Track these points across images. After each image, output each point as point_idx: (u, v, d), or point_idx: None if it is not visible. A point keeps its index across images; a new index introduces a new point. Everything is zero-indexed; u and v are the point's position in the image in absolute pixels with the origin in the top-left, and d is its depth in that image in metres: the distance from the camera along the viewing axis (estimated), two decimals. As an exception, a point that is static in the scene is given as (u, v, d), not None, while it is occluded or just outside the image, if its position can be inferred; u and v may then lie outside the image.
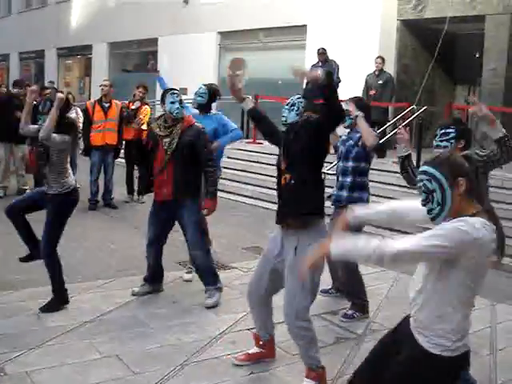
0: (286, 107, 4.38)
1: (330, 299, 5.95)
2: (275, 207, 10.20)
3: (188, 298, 5.75)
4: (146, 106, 10.42)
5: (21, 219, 5.39)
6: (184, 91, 17.80)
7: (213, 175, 5.58)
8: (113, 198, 9.97)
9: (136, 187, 10.39)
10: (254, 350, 4.51)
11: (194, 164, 5.51)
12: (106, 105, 9.68)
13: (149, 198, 10.28)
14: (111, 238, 7.90)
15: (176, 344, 4.69)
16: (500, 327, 5.41)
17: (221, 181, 11.19)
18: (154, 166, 5.59)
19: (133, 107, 10.24)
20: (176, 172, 5.45)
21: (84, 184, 10.38)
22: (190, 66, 18.13)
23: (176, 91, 5.71)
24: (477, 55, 11.94)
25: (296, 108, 4.33)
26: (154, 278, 5.91)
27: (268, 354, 4.53)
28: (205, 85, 6.72)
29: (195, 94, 6.60)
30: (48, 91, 10.29)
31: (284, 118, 4.36)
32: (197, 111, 6.64)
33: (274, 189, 10.85)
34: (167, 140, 5.48)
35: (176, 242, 7.84)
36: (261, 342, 4.51)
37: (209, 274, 5.76)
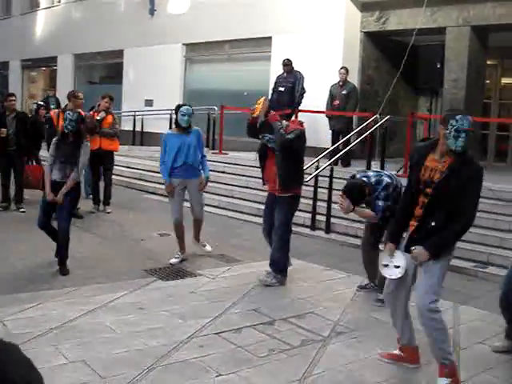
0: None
1: (294, 303, 6.02)
2: (242, 216, 10.38)
3: (155, 305, 5.77)
4: (111, 116, 10.46)
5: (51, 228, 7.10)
6: (150, 103, 17.92)
7: None
8: (79, 208, 9.91)
9: (102, 197, 10.43)
10: (396, 351, 4.71)
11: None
12: (71, 114, 9.64)
13: (114, 208, 10.36)
14: (77, 247, 7.85)
15: (143, 349, 4.70)
16: (462, 327, 5.53)
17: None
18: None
19: (98, 117, 10.24)
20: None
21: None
22: (155, 77, 18.16)
23: (188, 106, 7.26)
24: (438, 66, 12.17)
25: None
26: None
27: (406, 358, 4.64)
28: (187, 104, 7.47)
29: (184, 114, 7.21)
30: (13, 99, 10.19)
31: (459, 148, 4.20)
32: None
33: (240, 198, 11.07)
34: None
35: (143, 252, 7.89)
36: (399, 345, 4.69)
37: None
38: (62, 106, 12.21)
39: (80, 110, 9.61)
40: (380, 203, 5.96)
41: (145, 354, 4.59)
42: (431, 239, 4.19)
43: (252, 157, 12.69)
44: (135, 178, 12.78)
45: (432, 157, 4.29)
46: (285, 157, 6.46)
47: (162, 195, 12.05)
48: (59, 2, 23.53)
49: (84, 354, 4.53)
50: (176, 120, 7.45)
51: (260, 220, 9.84)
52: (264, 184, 6.99)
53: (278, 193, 6.65)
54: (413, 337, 4.63)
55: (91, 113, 10.46)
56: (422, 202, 4.29)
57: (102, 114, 10.32)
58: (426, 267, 4.26)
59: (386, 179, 6.05)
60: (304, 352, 4.81)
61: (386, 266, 4.45)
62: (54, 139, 7.12)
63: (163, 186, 12.17)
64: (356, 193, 5.86)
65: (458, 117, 4.12)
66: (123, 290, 6.12)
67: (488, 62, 13.54)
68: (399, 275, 4.37)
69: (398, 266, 4.38)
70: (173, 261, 7.36)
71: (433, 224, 4.20)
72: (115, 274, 6.76)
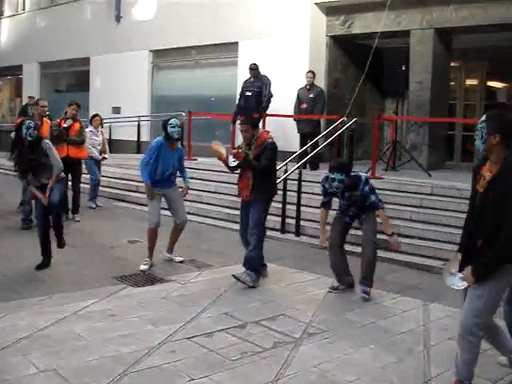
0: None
1: (266, 306, 6.03)
2: (211, 222, 10.36)
3: (126, 311, 5.73)
4: (78, 124, 10.39)
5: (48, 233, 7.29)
6: (117, 110, 17.83)
7: None
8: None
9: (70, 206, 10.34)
10: None
11: None
12: (38, 123, 9.48)
13: (83, 216, 10.28)
14: (46, 257, 7.79)
15: (115, 356, 4.67)
16: (432, 325, 5.60)
17: (135, 194, 11.20)
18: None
19: (65, 125, 10.16)
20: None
21: (16, 203, 10.26)
22: (123, 84, 18.08)
23: (175, 118, 7.52)
24: (403, 68, 12.30)
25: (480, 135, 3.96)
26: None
27: None
28: (174, 117, 7.68)
29: (173, 126, 7.42)
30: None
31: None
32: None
33: (210, 204, 11.05)
34: None
35: (113, 259, 7.84)
36: None
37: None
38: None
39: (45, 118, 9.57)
40: (373, 197, 6.27)
41: (116, 361, 4.55)
42: (477, 260, 3.88)
43: (221, 162, 12.72)
44: (104, 186, 12.67)
45: (487, 165, 3.99)
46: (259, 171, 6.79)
47: (131, 202, 12.03)
48: (23, 9, 23.32)
49: (55, 363, 4.48)
50: (166, 134, 7.45)
51: (230, 225, 9.91)
52: (239, 193, 7.10)
53: (250, 198, 6.85)
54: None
55: (58, 120, 10.38)
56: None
57: (69, 122, 10.24)
58: (473, 288, 3.97)
59: (363, 174, 6.44)
60: (276, 354, 4.81)
61: (452, 274, 4.14)
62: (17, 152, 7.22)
63: (132, 194, 12.23)
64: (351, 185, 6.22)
65: None
66: (94, 298, 6.07)
67: (452, 64, 13.72)
68: (461, 287, 4.07)
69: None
70: (142, 267, 7.40)
71: (480, 241, 3.89)
72: (85, 281, 6.70)
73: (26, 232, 9.23)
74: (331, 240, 6.62)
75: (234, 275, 6.74)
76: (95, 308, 5.80)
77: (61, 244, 7.46)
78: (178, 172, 7.82)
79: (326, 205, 6.66)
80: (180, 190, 7.89)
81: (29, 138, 7.11)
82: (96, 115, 11.96)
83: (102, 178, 11.93)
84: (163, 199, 7.75)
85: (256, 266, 6.80)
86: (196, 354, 4.74)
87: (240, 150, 6.82)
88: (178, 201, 7.79)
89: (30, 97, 13.99)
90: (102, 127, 12.20)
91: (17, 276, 6.86)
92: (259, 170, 6.73)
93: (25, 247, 8.24)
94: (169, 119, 7.56)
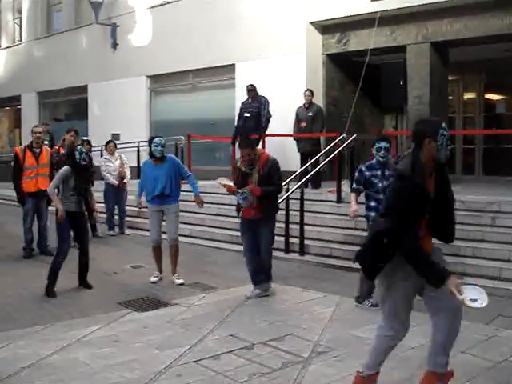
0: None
1: (273, 326, 5.92)
2: (214, 244, 10.28)
3: (130, 337, 5.62)
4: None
5: None
6: (117, 137, 17.81)
7: None
8: (48, 244, 9.73)
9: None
10: None
11: None
12: (37, 150, 9.48)
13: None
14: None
15: (120, 381, 4.56)
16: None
17: (135, 219, 11.19)
18: None
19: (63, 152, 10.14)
20: None
21: (18, 233, 10.17)
22: (121, 111, 18.08)
23: (159, 137, 7.74)
24: (401, 84, 12.30)
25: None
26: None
27: None
28: (158, 136, 7.88)
29: (156, 145, 7.68)
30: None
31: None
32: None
33: (211, 226, 10.97)
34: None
35: (117, 285, 7.75)
36: None
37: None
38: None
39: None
40: None
41: (121, 387, 4.45)
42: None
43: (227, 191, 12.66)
44: (104, 212, 12.58)
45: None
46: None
47: (133, 228, 11.95)
48: (20, 40, 23.44)
49: (58, 392, 4.38)
50: (150, 151, 7.82)
51: (233, 246, 9.82)
52: (238, 211, 7.16)
53: (258, 215, 6.93)
54: None
55: (56, 147, 10.39)
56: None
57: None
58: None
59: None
60: (285, 374, 4.70)
61: (475, 300, 3.88)
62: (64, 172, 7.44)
63: (134, 219, 12.14)
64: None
65: (443, 125, 3.84)
66: (97, 324, 5.96)
67: (450, 78, 13.72)
68: (485, 304, 3.88)
69: (475, 300, 3.85)
70: (152, 279, 7.78)
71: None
72: (88, 308, 6.61)
73: (28, 261, 9.18)
74: None
75: (249, 296, 7.00)
76: (99, 334, 5.69)
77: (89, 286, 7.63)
78: (188, 182, 8.05)
79: (355, 190, 6.87)
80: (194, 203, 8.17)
81: (83, 163, 7.42)
82: (110, 141, 12.05)
83: (102, 205, 11.76)
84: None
85: (269, 272, 7.21)
86: (203, 377, 4.63)
87: (248, 186, 6.81)
88: (170, 218, 7.89)
89: (44, 123, 14.02)
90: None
91: (17, 304, 6.77)
92: (277, 192, 7.10)
93: (25, 276, 8.19)
94: (154, 137, 7.83)
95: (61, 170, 7.48)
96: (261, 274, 7.08)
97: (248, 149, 6.80)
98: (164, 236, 8.01)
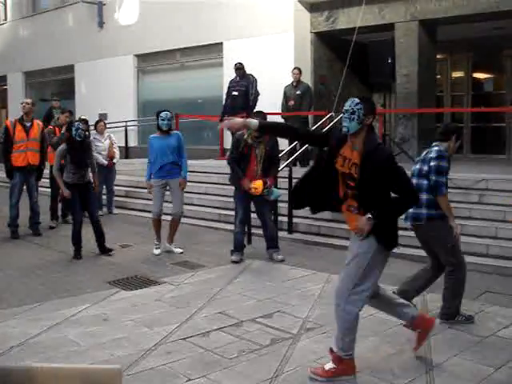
0: (346, 115, 4.10)
1: (262, 304, 5.94)
2: (202, 223, 10.29)
3: (119, 315, 5.62)
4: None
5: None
6: (104, 116, 17.71)
7: None
8: (41, 222, 9.67)
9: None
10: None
11: None
12: (28, 124, 9.33)
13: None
14: (36, 264, 7.68)
15: (109, 359, 4.57)
16: (431, 315, 5.50)
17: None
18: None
19: (63, 131, 10.14)
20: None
21: (4, 214, 10.10)
22: (108, 90, 17.98)
23: (166, 111, 8.12)
24: (389, 62, 12.24)
25: (357, 117, 4.05)
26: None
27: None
28: (165, 110, 8.21)
29: (163, 119, 8.07)
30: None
31: (345, 129, 4.09)
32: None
33: (200, 205, 10.97)
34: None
35: (105, 264, 7.75)
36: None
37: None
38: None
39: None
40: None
41: (111, 365, 4.45)
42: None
43: (210, 164, 12.63)
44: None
45: (347, 146, 4.30)
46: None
47: (121, 208, 11.91)
48: (5, 19, 23.15)
49: (48, 370, 4.37)
50: (157, 125, 8.18)
51: (221, 225, 9.84)
52: (248, 188, 7.52)
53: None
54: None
55: (50, 127, 10.37)
56: None
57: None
58: None
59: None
60: (274, 350, 4.73)
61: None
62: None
63: (122, 199, 12.12)
64: None
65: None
66: (86, 303, 5.96)
67: (438, 56, 13.70)
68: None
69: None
70: (155, 252, 8.19)
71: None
72: (78, 287, 6.60)
73: (16, 241, 9.15)
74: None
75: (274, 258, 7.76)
76: (88, 313, 5.69)
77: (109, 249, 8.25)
78: (179, 163, 8.25)
79: None
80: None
81: (78, 139, 7.95)
82: (100, 121, 11.85)
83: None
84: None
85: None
86: (192, 354, 4.65)
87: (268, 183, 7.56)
88: (176, 192, 8.24)
89: (54, 99, 13.93)
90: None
91: (4, 285, 6.75)
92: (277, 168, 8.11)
93: (13, 256, 8.18)
94: (160, 111, 8.18)
95: (57, 149, 8.15)
96: (273, 241, 7.87)
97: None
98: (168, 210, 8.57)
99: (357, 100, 4.11)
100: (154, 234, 8.36)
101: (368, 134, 4.11)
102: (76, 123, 8.14)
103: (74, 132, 7.95)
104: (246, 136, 7.51)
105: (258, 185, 7.44)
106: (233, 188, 8.03)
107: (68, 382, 1.88)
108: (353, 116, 4.05)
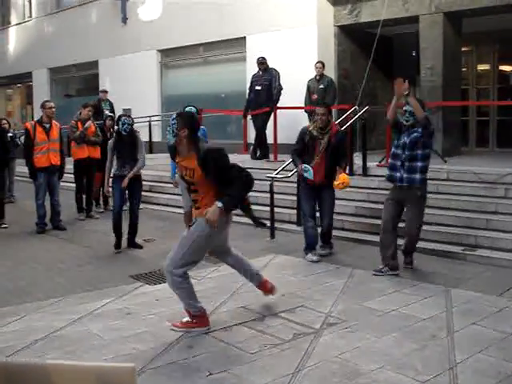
0: (168, 129, 4.90)
1: (284, 298, 5.92)
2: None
3: (142, 309, 5.65)
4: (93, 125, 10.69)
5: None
6: (128, 112, 17.78)
7: None
8: (61, 220, 9.77)
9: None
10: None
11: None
12: (47, 125, 9.48)
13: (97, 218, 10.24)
14: (61, 258, 7.75)
15: (131, 353, 4.59)
16: (454, 311, 5.46)
17: (172, 197, 11.36)
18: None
19: (86, 126, 10.36)
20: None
21: (30, 208, 10.20)
22: (132, 85, 18.04)
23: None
24: (413, 55, 12.11)
25: (171, 130, 4.84)
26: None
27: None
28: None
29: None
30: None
31: (167, 140, 4.96)
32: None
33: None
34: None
35: (129, 258, 7.80)
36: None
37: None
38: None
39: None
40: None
41: (133, 359, 4.46)
42: None
43: (235, 158, 12.60)
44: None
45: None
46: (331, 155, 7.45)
47: (145, 202, 11.94)
48: (30, 17, 23.36)
49: (71, 363, 4.40)
50: None
51: (244, 219, 9.77)
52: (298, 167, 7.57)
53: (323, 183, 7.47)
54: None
55: (73, 122, 10.48)
56: None
57: (89, 123, 10.39)
58: None
59: None
60: (296, 345, 4.71)
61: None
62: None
63: (146, 194, 12.16)
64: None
65: None
66: (110, 297, 6.00)
67: (463, 49, 13.53)
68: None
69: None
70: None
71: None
72: (101, 281, 6.65)
73: (41, 236, 9.23)
74: (385, 220, 6.80)
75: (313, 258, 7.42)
76: (111, 307, 5.73)
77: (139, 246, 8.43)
78: None
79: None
80: None
81: (124, 133, 8.10)
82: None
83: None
84: None
85: None
86: (214, 349, 4.66)
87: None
88: None
89: (102, 91, 13.98)
90: None
91: (30, 279, 6.82)
92: (345, 162, 7.71)
93: (38, 251, 8.25)
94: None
95: (108, 142, 8.46)
96: (325, 237, 7.77)
97: (325, 109, 7.40)
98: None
99: (174, 115, 4.86)
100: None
101: (190, 143, 4.84)
102: (122, 118, 8.23)
103: (120, 126, 8.12)
104: (311, 128, 7.47)
105: (343, 179, 7.25)
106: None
107: (82, 379, 1.88)
108: (169, 129, 4.85)
